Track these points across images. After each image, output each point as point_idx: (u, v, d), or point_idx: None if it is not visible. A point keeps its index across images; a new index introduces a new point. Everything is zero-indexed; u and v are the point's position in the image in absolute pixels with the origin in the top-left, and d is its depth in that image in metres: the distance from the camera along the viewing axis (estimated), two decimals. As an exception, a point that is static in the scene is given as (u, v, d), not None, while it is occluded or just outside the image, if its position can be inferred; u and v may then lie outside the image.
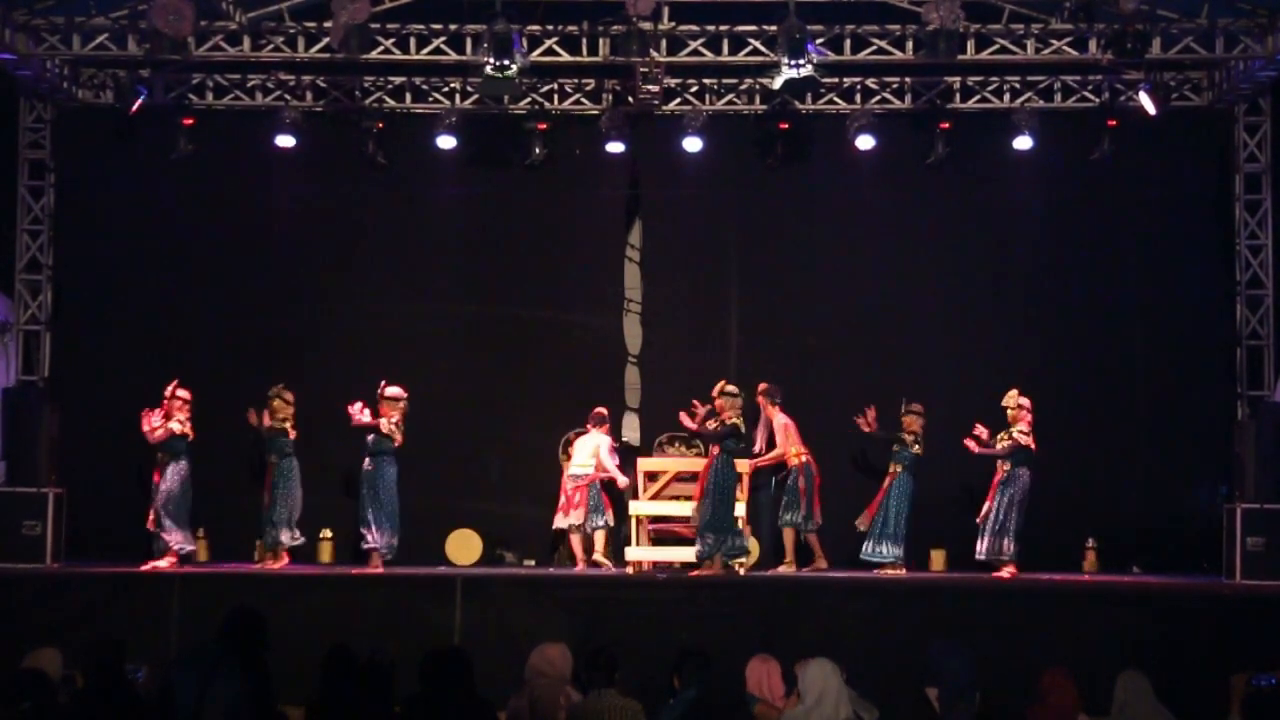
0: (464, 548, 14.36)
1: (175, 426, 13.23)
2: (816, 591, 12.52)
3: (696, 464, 13.71)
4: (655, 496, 13.51)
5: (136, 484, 14.41)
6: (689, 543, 13.55)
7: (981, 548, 13.44)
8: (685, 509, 13.54)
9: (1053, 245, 15.13)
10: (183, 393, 13.36)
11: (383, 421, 13.50)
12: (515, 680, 8.27)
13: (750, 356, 15.14)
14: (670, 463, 13.93)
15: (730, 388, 13.13)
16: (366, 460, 13.62)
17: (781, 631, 11.32)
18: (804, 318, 15.20)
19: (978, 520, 13.51)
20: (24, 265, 14.92)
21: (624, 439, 15.14)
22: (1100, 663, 9.40)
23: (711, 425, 12.98)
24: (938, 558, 14.41)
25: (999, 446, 13.46)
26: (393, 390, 13.57)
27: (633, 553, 13.33)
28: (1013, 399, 13.52)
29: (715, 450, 13.01)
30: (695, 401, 13.12)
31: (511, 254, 15.26)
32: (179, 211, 15.07)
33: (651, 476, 13.57)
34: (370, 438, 13.56)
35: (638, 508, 13.44)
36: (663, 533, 13.74)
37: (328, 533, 14.45)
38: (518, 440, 14.97)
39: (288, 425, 13.56)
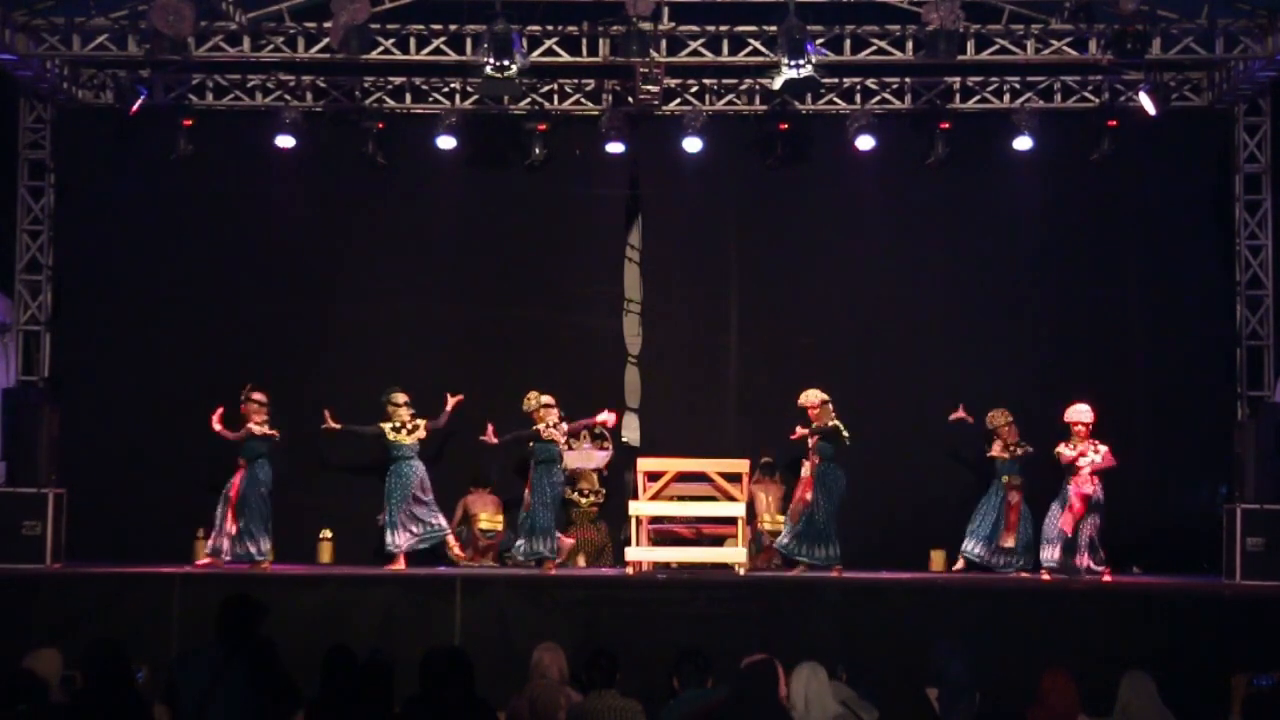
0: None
1: (254, 429, 13.30)
2: (817, 591, 12.52)
3: (697, 464, 13.71)
4: (655, 497, 13.50)
5: (136, 484, 14.46)
6: (689, 543, 13.58)
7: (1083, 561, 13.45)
8: (685, 509, 13.55)
9: (1053, 245, 15.12)
10: (258, 395, 13.42)
11: (540, 427, 13.54)
12: (515, 680, 8.28)
13: (750, 357, 15.16)
14: (670, 463, 13.91)
15: (822, 394, 13.57)
16: (531, 468, 13.68)
17: (781, 631, 11.33)
18: (804, 318, 15.20)
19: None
20: (24, 265, 14.91)
21: (624, 439, 15.15)
22: (1100, 663, 9.42)
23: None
24: (938, 558, 14.39)
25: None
26: (544, 398, 13.63)
27: (633, 553, 13.32)
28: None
29: (816, 460, 13.53)
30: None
31: (511, 254, 15.25)
32: (179, 211, 15.05)
33: (652, 477, 13.56)
34: (531, 445, 13.62)
35: (638, 508, 13.42)
36: (663, 533, 13.74)
37: (328, 533, 14.43)
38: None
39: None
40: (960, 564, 13.99)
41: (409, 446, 13.65)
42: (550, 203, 15.23)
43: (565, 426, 13.75)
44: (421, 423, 13.70)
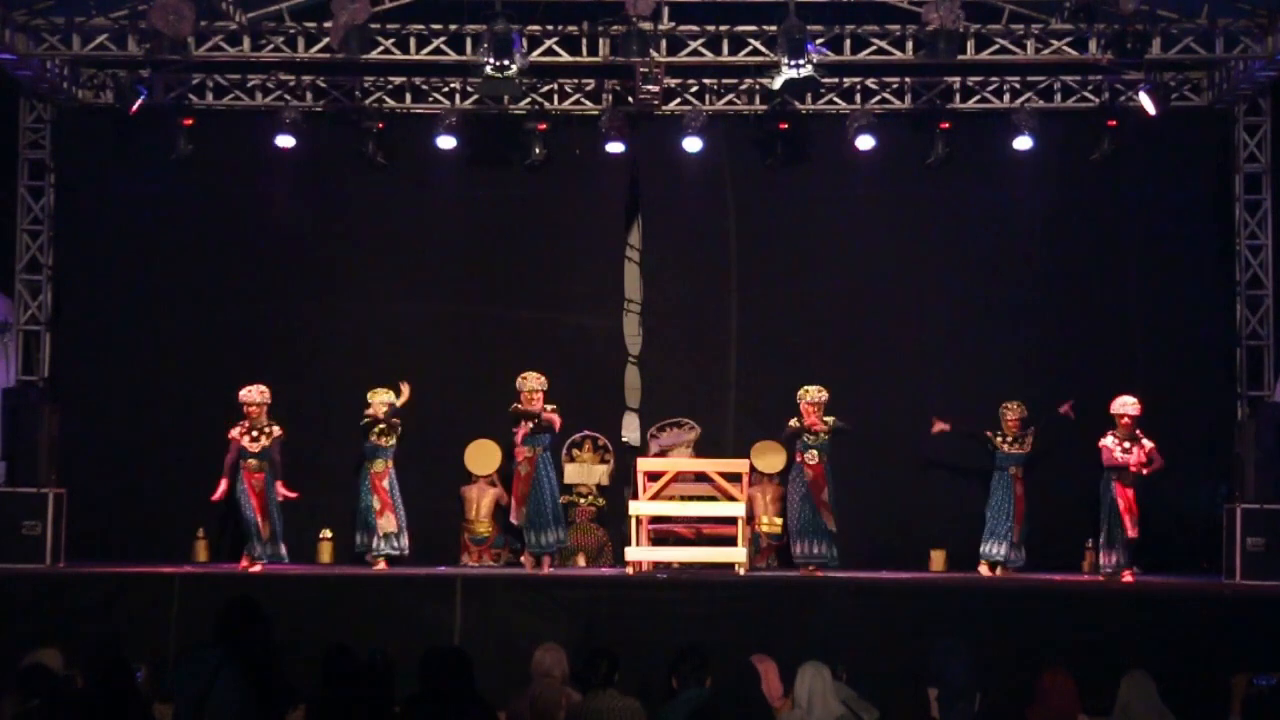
0: (483, 457, 14.35)
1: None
2: (816, 591, 12.53)
3: (697, 464, 13.72)
4: (655, 497, 13.50)
5: (136, 484, 14.46)
6: (689, 543, 13.59)
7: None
8: (685, 509, 13.57)
9: (1053, 245, 15.12)
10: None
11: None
12: (515, 680, 8.28)
13: (750, 357, 15.16)
14: (670, 463, 13.93)
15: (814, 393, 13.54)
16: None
17: (781, 631, 11.33)
18: (804, 317, 15.19)
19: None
20: (24, 265, 14.91)
21: (624, 439, 15.16)
22: (1100, 663, 9.41)
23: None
24: (938, 558, 14.40)
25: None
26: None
27: (633, 553, 13.32)
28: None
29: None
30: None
31: (511, 254, 15.26)
32: (179, 211, 15.06)
33: (652, 476, 13.56)
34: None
35: (638, 508, 13.43)
36: (663, 533, 13.75)
37: (328, 533, 14.44)
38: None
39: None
40: (984, 568, 13.82)
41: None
42: (550, 202, 15.23)
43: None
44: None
